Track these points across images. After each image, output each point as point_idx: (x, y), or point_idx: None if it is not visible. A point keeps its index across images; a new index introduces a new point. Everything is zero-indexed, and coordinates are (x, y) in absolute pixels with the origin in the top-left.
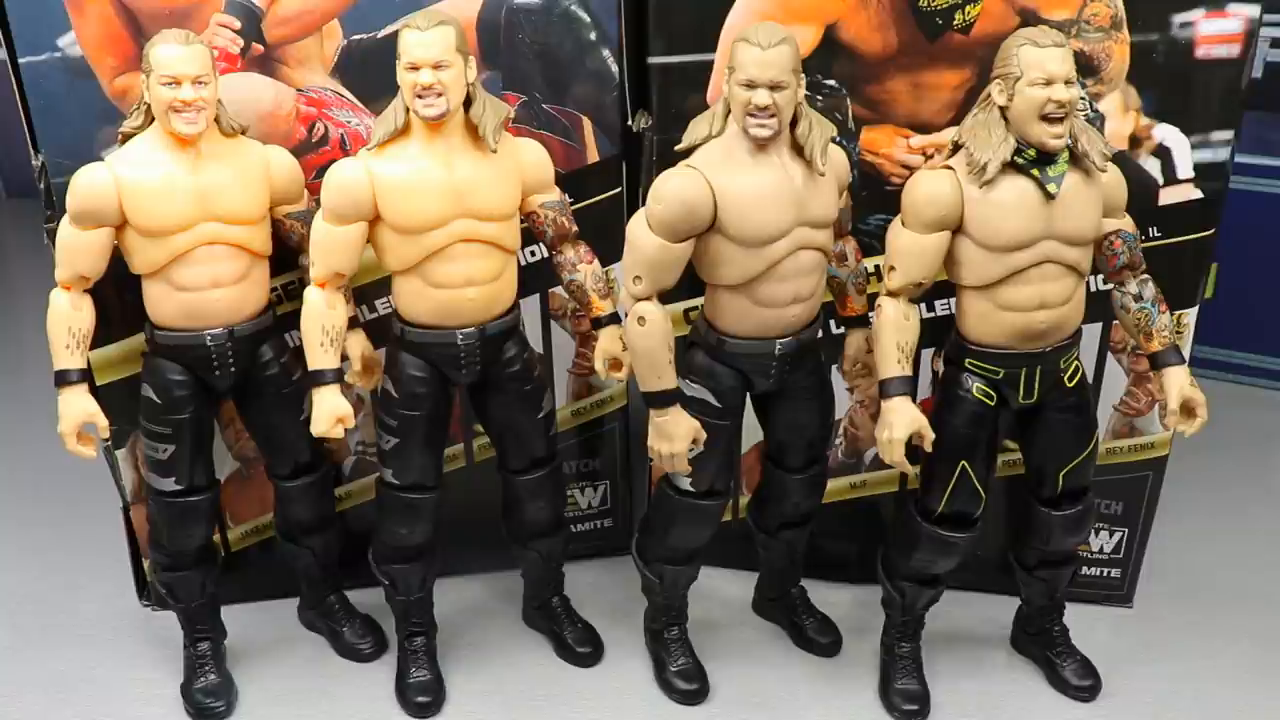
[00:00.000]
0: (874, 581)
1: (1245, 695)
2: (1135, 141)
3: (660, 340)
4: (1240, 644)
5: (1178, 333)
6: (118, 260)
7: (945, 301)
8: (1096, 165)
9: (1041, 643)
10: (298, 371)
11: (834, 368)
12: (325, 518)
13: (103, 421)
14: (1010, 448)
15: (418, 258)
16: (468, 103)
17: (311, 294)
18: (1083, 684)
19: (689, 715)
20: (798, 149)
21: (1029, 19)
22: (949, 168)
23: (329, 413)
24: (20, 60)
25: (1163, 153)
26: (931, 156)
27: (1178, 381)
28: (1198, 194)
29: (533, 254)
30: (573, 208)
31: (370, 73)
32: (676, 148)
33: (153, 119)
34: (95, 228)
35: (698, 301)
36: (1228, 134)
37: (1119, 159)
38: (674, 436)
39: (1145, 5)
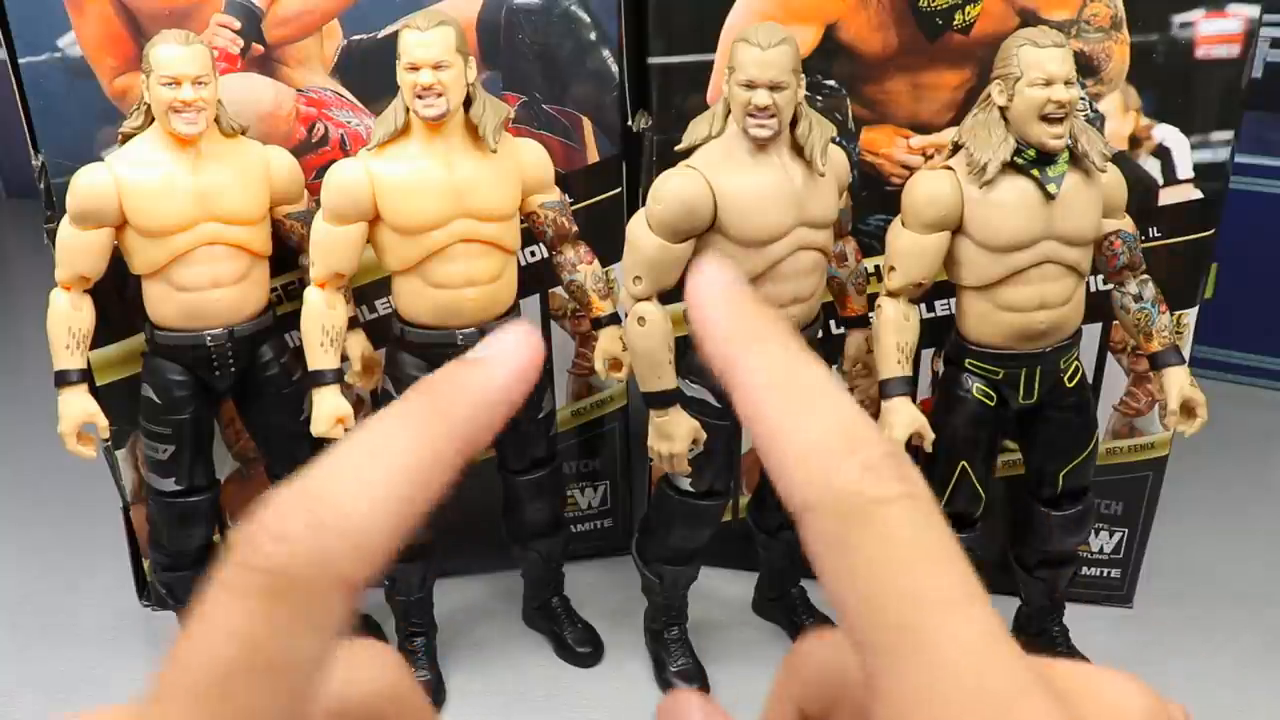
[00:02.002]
0: None
1: (1246, 695)
2: (1135, 141)
3: (660, 340)
4: (1241, 644)
5: (1178, 333)
6: (118, 260)
7: (945, 301)
8: (1096, 165)
9: (1042, 643)
10: (298, 372)
11: (834, 368)
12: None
13: (102, 421)
14: (1010, 448)
15: (418, 258)
16: (468, 103)
17: (311, 294)
18: None
19: None
20: (798, 149)
21: (1029, 19)
22: (949, 168)
23: (329, 413)
24: (20, 60)
25: (1163, 153)
26: (931, 156)
27: (1178, 381)
28: (1198, 194)
29: (533, 254)
30: (573, 208)
31: (370, 73)
32: (676, 148)
33: (153, 119)
34: (95, 228)
35: None
36: (1228, 134)
37: (1119, 159)
38: (674, 437)
39: (1145, 5)
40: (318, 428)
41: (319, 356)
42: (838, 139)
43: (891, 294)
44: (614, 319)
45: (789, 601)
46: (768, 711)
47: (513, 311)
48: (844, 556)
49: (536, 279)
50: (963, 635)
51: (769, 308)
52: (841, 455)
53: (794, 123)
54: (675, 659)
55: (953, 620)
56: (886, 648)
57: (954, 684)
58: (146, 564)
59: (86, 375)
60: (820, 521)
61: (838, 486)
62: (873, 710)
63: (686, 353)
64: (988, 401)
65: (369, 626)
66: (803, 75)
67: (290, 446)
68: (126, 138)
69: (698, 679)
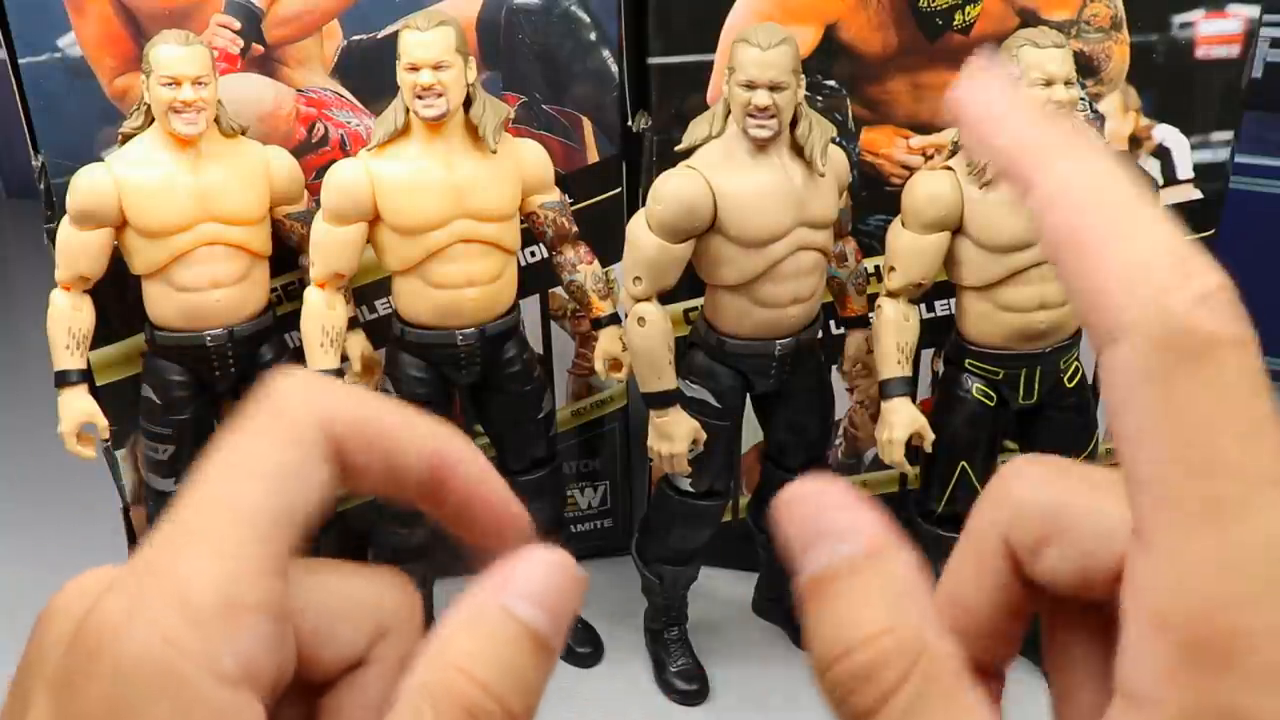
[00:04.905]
0: None
1: None
2: (1135, 142)
3: (660, 341)
4: None
5: None
6: (118, 260)
7: (945, 301)
8: None
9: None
10: None
11: (834, 368)
12: (325, 518)
13: (102, 422)
14: (1010, 448)
15: (418, 258)
16: (468, 103)
17: (311, 294)
18: None
19: (689, 715)
20: (798, 149)
21: (1029, 19)
22: (949, 168)
23: None
24: (20, 60)
25: (1162, 153)
26: (931, 157)
27: None
28: (1198, 194)
29: (533, 254)
30: (573, 208)
31: (370, 73)
32: (676, 148)
33: (153, 119)
34: (95, 228)
35: (698, 301)
36: (1228, 134)
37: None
38: (674, 437)
39: (1145, 5)
40: None
41: (319, 356)
42: (838, 139)
43: (891, 294)
44: (614, 319)
45: (789, 601)
46: (967, 542)
47: (513, 311)
48: (1163, 396)
49: (536, 279)
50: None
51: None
52: (1176, 278)
53: (794, 123)
54: (675, 659)
55: (1275, 499)
56: (1189, 510)
57: (1264, 566)
58: None
59: (86, 375)
60: (1139, 349)
61: (1170, 311)
62: (1138, 564)
63: (686, 353)
64: (988, 402)
65: None
66: (803, 75)
67: None
68: (126, 138)
69: (698, 679)
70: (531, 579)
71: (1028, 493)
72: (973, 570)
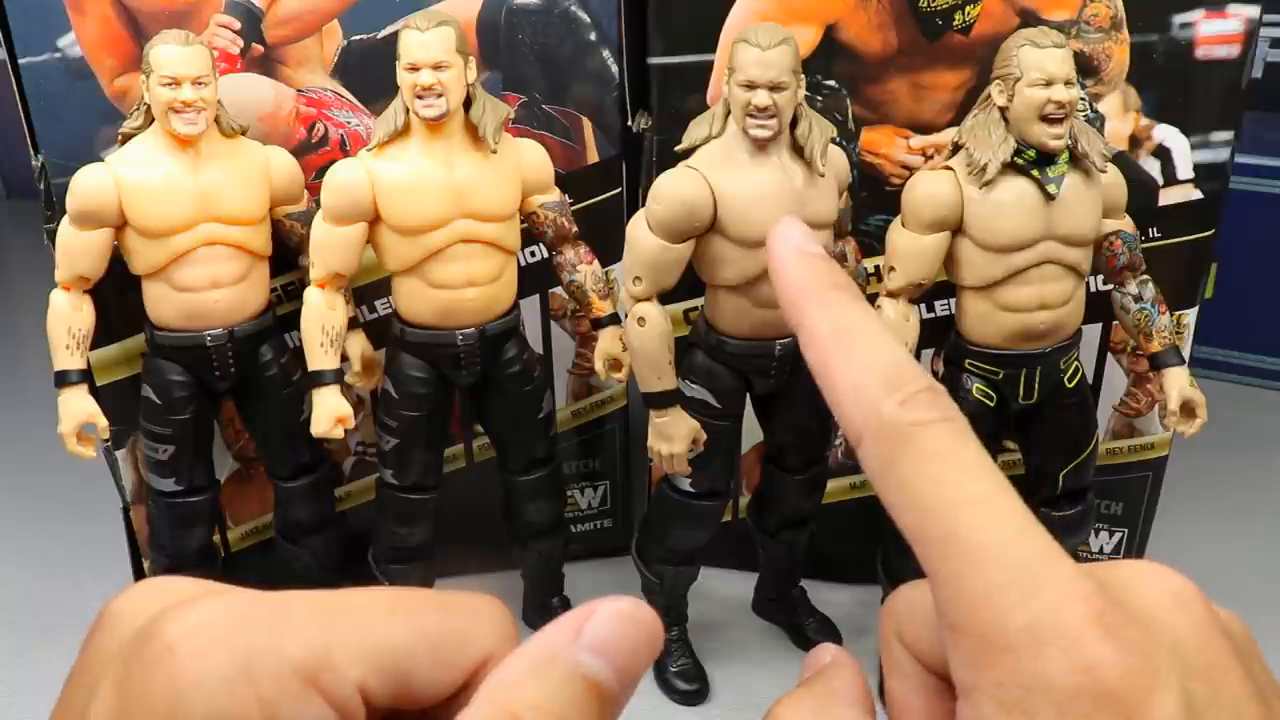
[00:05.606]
0: (874, 581)
1: None
2: (1135, 142)
3: (660, 341)
4: None
5: (1177, 333)
6: (117, 260)
7: (945, 301)
8: (1097, 166)
9: None
10: (298, 372)
11: None
12: (325, 518)
13: (102, 422)
14: (1010, 448)
15: (418, 258)
16: (468, 103)
17: (311, 294)
18: None
19: (688, 715)
20: (798, 149)
21: (1029, 19)
22: (949, 168)
23: (329, 413)
24: (20, 60)
25: (1162, 153)
26: (931, 157)
27: (1177, 382)
28: (1198, 194)
29: (533, 254)
30: (573, 208)
31: (370, 73)
32: (676, 148)
33: (153, 119)
34: (95, 228)
35: (698, 301)
36: (1228, 134)
37: (1119, 159)
38: (674, 437)
39: (1145, 5)
40: (318, 428)
41: (319, 357)
42: (838, 139)
43: (891, 294)
44: (614, 319)
45: (789, 601)
46: (883, 654)
47: (513, 312)
48: (892, 475)
49: (536, 279)
50: (994, 524)
51: (834, 263)
52: (886, 391)
53: (794, 123)
54: (675, 659)
55: (984, 514)
56: (936, 547)
57: (990, 564)
58: (146, 564)
59: (86, 375)
60: (871, 447)
61: (882, 415)
62: (937, 603)
63: (686, 353)
64: (987, 402)
65: None
66: (803, 75)
67: (290, 446)
68: (126, 138)
69: (698, 679)
70: (604, 631)
71: (897, 598)
72: (895, 675)
